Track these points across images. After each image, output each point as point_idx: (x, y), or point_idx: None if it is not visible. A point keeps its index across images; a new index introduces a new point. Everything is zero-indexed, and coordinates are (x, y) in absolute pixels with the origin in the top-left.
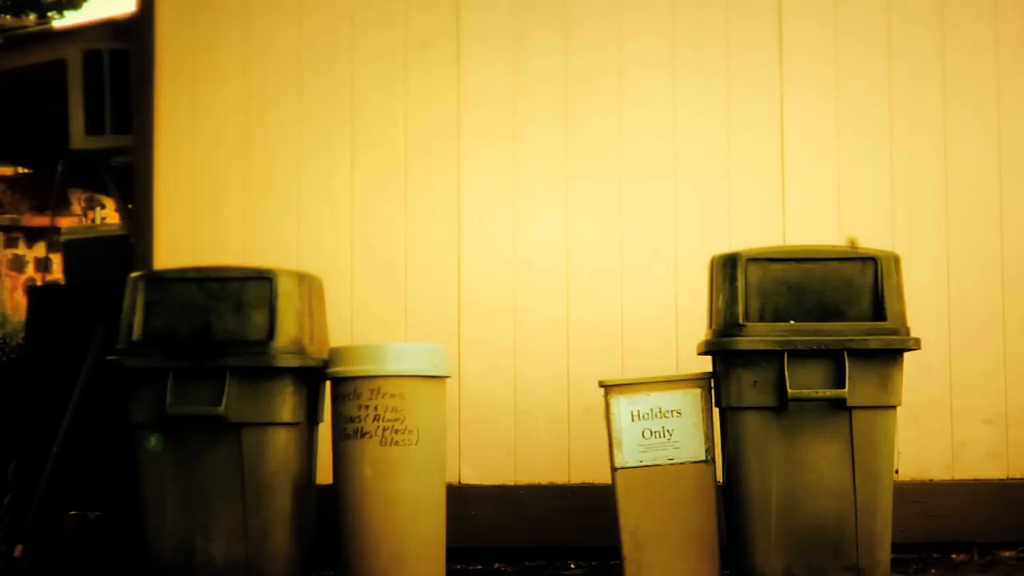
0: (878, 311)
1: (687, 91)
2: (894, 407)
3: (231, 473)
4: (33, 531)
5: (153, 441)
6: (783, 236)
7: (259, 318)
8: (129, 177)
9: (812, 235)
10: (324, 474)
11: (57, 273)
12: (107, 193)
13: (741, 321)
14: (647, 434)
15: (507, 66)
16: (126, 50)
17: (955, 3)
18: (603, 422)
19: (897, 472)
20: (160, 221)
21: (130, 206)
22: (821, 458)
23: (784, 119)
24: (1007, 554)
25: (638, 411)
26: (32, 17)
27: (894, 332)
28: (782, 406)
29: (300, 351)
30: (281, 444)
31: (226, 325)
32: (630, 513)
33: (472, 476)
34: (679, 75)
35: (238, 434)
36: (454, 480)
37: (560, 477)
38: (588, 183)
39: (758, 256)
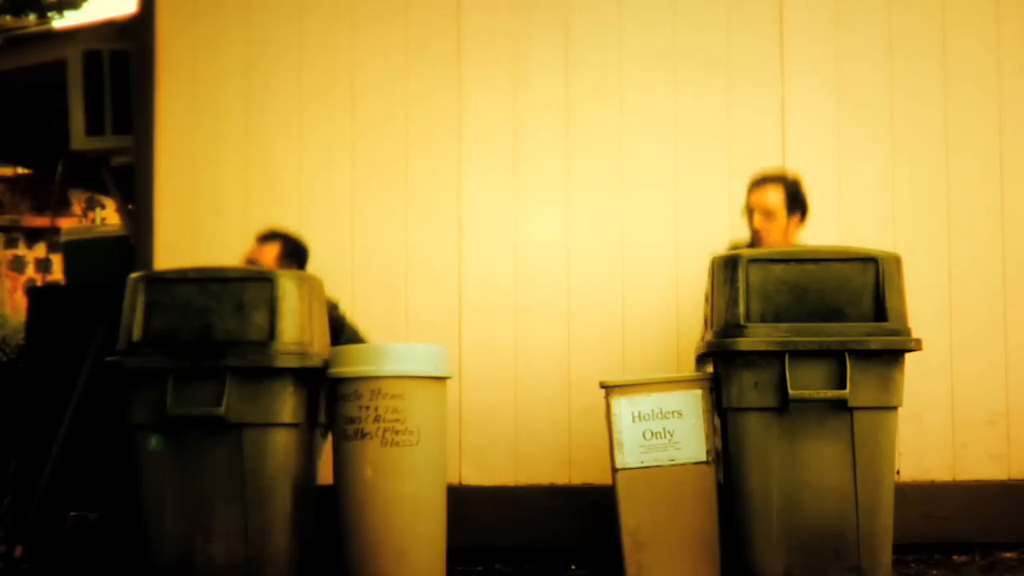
0: (879, 311)
1: (688, 87)
2: (895, 408)
3: (231, 474)
4: (33, 531)
5: (153, 442)
6: None
7: (259, 319)
8: (129, 177)
9: (813, 235)
10: (324, 474)
11: (57, 273)
12: (107, 193)
13: (742, 322)
14: (648, 435)
15: (507, 64)
16: (126, 50)
17: (956, 1)
18: (604, 422)
19: (898, 473)
20: (160, 221)
21: (130, 206)
22: (822, 459)
23: (785, 118)
24: (1009, 555)
25: (639, 412)
26: (32, 17)
27: (895, 333)
28: (783, 407)
29: (300, 352)
30: (281, 445)
31: (226, 326)
32: (631, 514)
33: (473, 476)
34: (679, 69)
35: (238, 435)
36: (455, 480)
37: (561, 478)
38: (589, 182)
39: (759, 257)
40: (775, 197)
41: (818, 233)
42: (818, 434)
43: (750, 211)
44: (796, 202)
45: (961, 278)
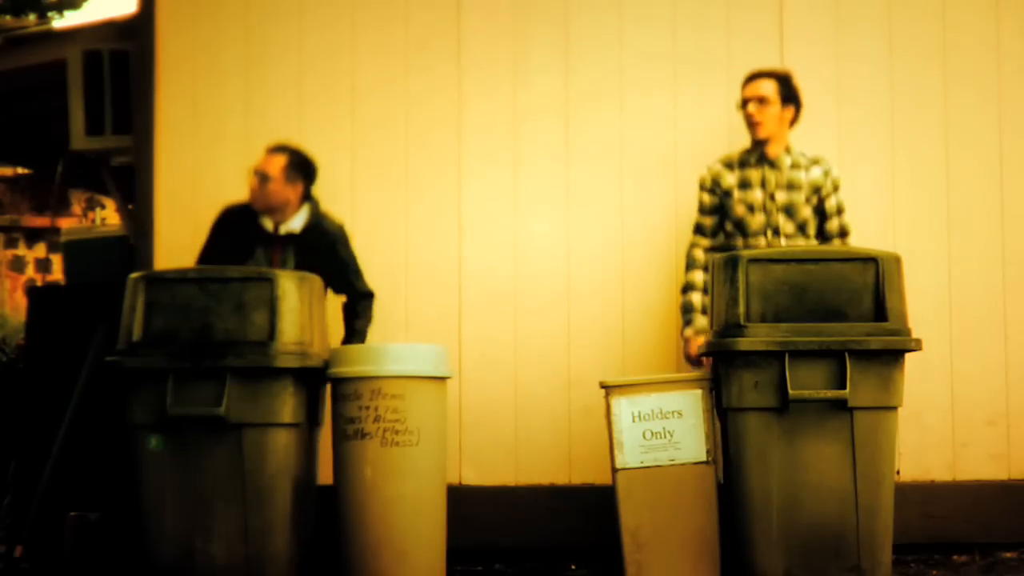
0: (879, 311)
1: (688, 87)
2: (895, 408)
3: (231, 474)
4: (33, 531)
5: (153, 442)
6: None
7: (259, 319)
8: (129, 177)
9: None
10: (324, 475)
11: (57, 273)
12: (107, 193)
13: (742, 322)
14: (648, 435)
15: (508, 64)
16: (126, 50)
17: (956, 1)
18: (604, 422)
19: (898, 473)
20: (160, 221)
21: (130, 206)
22: (822, 459)
23: None
24: (1008, 555)
25: (639, 412)
26: (32, 17)
27: (895, 333)
28: (783, 407)
29: (301, 352)
30: (281, 445)
31: (226, 326)
32: (631, 514)
33: (473, 476)
34: (679, 70)
35: (238, 435)
36: (455, 480)
37: (561, 478)
38: (589, 182)
39: (759, 257)
40: (768, 86)
41: None
42: (818, 434)
43: (745, 102)
44: (789, 94)
45: (961, 278)
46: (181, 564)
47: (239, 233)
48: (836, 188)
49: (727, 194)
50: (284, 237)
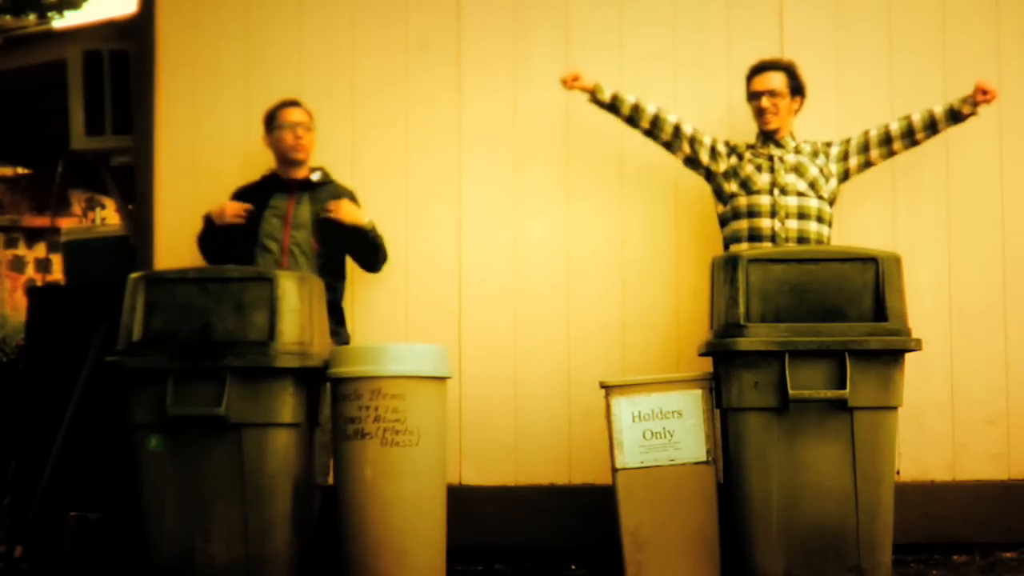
0: (879, 311)
1: (688, 88)
2: (895, 408)
3: (231, 474)
4: (33, 531)
5: (153, 442)
6: None
7: (259, 319)
8: (129, 177)
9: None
10: None
11: (57, 273)
12: (107, 193)
13: (742, 322)
14: (648, 435)
15: (508, 65)
16: (126, 50)
17: (956, 1)
18: (604, 422)
19: (899, 473)
20: (160, 221)
21: (130, 206)
22: (822, 459)
23: None
24: (1008, 555)
25: (639, 412)
26: (32, 17)
27: (895, 333)
28: (783, 407)
29: (301, 352)
30: (281, 445)
31: (226, 326)
32: (631, 514)
33: (473, 476)
34: (679, 71)
35: (238, 435)
36: (455, 480)
37: (561, 478)
38: (589, 183)
39: (759, 257)
40: (778, 79)
41: None
42: (818, 434)
43: (757, 95)
44: (797, 85)
45: (961, 278)
46: (181, 564)
47: (258, 191)
48: (830, 143)
49: (740, 156)
50: (301, 184)
